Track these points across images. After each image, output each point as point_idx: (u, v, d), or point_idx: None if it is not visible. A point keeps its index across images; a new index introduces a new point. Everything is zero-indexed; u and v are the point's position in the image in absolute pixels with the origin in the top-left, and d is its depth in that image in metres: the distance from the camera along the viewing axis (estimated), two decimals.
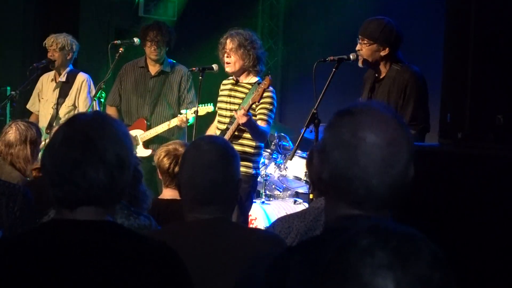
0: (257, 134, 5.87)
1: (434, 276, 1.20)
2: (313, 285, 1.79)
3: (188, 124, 6.45)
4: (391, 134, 1.81)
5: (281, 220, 3.46)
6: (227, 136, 5.80)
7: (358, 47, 5.11)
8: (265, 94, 5.88)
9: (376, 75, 5.16)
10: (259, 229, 3.24)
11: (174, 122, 6.57)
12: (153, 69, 6.92)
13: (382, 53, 5.06)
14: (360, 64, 5.15)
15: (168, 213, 3.59)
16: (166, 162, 3.97)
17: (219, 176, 2.72)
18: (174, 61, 7.00)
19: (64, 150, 2.06)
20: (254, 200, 7.05)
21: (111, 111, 6.99)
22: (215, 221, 2.71)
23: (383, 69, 5.11)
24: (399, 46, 5.12)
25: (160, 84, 6.84)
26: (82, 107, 7.14)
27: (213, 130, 6.23)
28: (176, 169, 3.92)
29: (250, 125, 5.73)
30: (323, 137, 1.91)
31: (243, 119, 5.63)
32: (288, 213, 6.38)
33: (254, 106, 5.88)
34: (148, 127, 6.75)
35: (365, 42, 5.07)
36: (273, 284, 1.86)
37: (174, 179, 3.93)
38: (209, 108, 6.34)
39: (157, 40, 6.75)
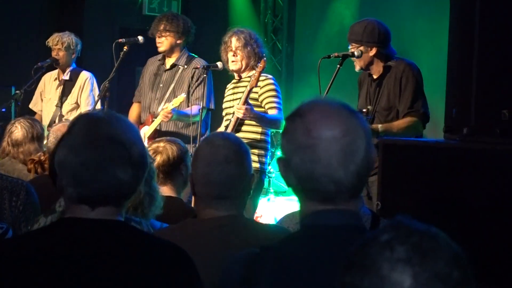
0: (266, 122, 5.81)
1: (453, 274, 1.20)
2: (284, 281, 1.82)
3: (173, 118, 6.20)
4: (344, 124, 1.84)
5: (289, 216, 3.47)
6: (228, 131, 5.74)
7: (349, 52, 5.14)
8: (266, 82, 5.88)
9: (373, 75, 5.18)
10: (272, 225, 3.24)
11: (159, 118, 6.28)
12: (168, 62, 6.68)
13: (370, 53, 5.10)
14: (356, 68, 5.19)
15: None
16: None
17: (235, 170, 2.72)
18: (195, 55, 6.71)
19: (90, 149, 2.04)
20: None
21: (134, 107, 6.83)
22: (230, 218, 2.71)
23: (377, 68, 5.15)
24: (386, 43, 5.14)
25: (172, 78, 6.61)
26: (83, 105, 7.12)
27: None
28: (154, 164, 3.92)
29: (253, 116, 5.67)
30: (281, 144, 1.93)
31: (239, 113, 5.59)
32: (294, 209, 6.38)
33: (257, 96, 5.86)
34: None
35: (353, 46, 5.12)
36: (248, 280, 1.88)
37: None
38: (181, 98, 6.17)
39: (160, 30, 6.53)
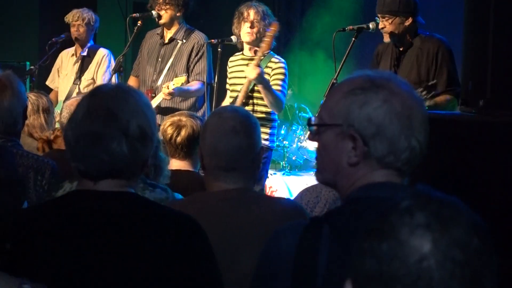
0: (272, 97, 5.75)
1: (472, 242, 1.20)
2: (346, 252, 1.82)
3: (174, 96, 6.21)
4: (418, 98, 1.95)
5: (309, 190, 3.45)
6: (239, 100, 5.81)
7: (380, 25, 5.08)
8: (278, 65, 5.92)
9: (401, 48, 5.12)
10: (281, 198, 3.22)
11: (160, 96, 6.25)
12: (167, 36, 6.61)
13: (407, 23, 5.07)
14: (385, 40, 5.13)
15: (172, 183, 3.58)
16: (169, 132, 3.96)
17: (243, 141, 2.72)
18: (194, 28, 6.65)
19: (86, 123, 2.06)
20: (275, 172, 7.09)
21: (131, 81, 6.79)
22: (239, 191, 2.72)
23: (407, 40, 5.09)
24: (419, 11, 5.13)
25: (170, 52, 6.54)
26: (100, 81, 7.11)
27: None
28: (179, 139, 3.92)
29: (263, 81, 5.67)
30: (361, 113, 1.89)
31: (254, 72, 5.59)
32: (309, 184, 6.38)
33: (268, 78, 5.85)
34: (153, 98, 6.38)
35: (387, 18, 5.04)
36: (305, 255, 1.86)
37: (177, 150, 3.93)
38: (182, 78, 6.17)
39: (159, 3, 6.44)
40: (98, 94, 2.13)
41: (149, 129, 2.11)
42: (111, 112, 2.06)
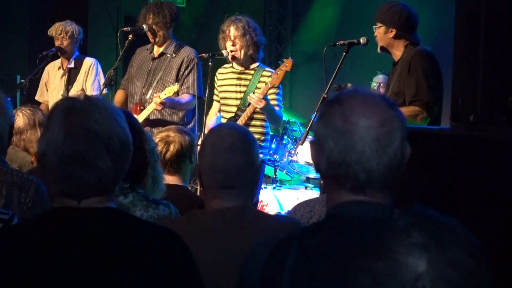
0: (274, 117, 5.97)
1: (469, 264, 1.20)
2: (307, 271, 1.82)
3: (165, 107, 6.20)
4: (381, 115, 1.84)
5: (302, 204, 3.44)
6: (240, 122, 5.82)
7: (375, 33, 5.10)
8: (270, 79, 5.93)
9: (394, 59, 5.12)
10: (280, 216, 3.21)
11: (151, 107, 6.26)
12: (157, 51, 6.63)
13: (390, 35, 5.01)
14: (378, 50, 5.15)
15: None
16: (158, 148, 3.96)
17: (242, 159, 2.70)
18: (183, 44, 6.69)
19: (67, 144, 2.02)
20: (265, 186, 7.08)
21: (119, 94, 6.79)
22: (238, 209, 2.70)
23: (397, 53, 5.05)
24: (409, 28, 5.02)
25: (160, 66, 6.55)
26: (89, 91, 7.09)
27: (212, 116, 6.25)
28: (168, 155, 3.92)
29: (268, 109, 5.80)
30: (315, 128, 1.92)
31: (261, 104, 5.68)
32: (300, 198, 6.38)
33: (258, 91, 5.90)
34: (142, 111, 6.41)
35: (378, 25, 5.07)
36: (272, 265, 1.88)
37: (166, 165, 3.92)
38: (174, 88, 6.16)
39: (149, 24, 6.45)
40: (72, 112, 2.06)
41: (127, 139, 2.09)
42: (91, 129, 2.02)
